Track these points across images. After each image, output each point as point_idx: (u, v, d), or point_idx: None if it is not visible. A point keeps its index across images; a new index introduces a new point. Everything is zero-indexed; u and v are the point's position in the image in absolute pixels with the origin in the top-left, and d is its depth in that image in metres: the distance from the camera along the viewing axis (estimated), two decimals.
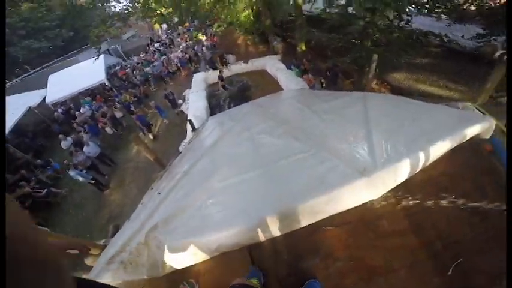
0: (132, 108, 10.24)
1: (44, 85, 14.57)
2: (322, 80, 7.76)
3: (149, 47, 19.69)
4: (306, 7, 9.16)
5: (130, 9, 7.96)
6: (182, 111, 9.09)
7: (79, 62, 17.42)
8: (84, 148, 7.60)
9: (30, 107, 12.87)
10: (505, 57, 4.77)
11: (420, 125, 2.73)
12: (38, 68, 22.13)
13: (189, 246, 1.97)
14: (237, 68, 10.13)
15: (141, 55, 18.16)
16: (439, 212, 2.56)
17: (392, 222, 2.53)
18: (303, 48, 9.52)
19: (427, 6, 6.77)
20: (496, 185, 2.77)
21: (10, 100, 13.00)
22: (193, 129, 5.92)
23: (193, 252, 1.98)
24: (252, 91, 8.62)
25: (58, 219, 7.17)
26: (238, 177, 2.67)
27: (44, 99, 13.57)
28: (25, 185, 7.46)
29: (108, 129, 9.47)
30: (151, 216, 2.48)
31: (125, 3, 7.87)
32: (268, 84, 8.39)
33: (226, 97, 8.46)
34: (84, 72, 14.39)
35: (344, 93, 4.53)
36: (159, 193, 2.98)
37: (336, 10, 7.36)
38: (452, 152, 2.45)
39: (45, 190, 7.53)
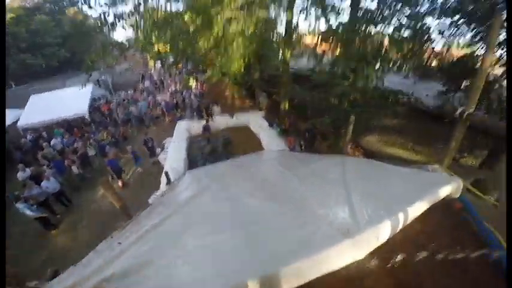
0: (107, 150, 9.57)
1: (22, 105, 13.48)
2: (302, 143, 8.11)
3: (139, 84, 19.78)
4: (292, 63, 9.99)
5: (131, 40, 8.19)
6: (159, 161, 8.62)
7: (66, 87, 16.66)
8: (43, 182, 6.86)
9: None
10: (465, 114, 4.79)
11: (397, 188, 2.86)
12: (22, 86, 20.74)
13: None
14: (221, 121, 10.27)
15: (129, 92, 17.94)
16: (421, 267, 2.61)
17: (377, 281, 2.52)
18: (286, 106, 10.18)
19: (398, 63, 7.18)
20: (470, 237, 2.94)
21: None
22: (169, 182, 5.64)
23: None
24: (233, 147, 8.56)
25: None
26: (215, 237, 2.48)
27: (16, 120, 12.49)
28: None
29: (74, 169, 8.58)
30: (107, 265, 2.18)
31: (129, 33, 8.18)
32: (250, 141, 8.48)
33: (208, 151, 8.34)
34: (68, 100, 13.67)
35: (323, 157, 4.74)
36: (120, 243, 2.64)
37: (323, 69, 7.76)
38: (427, 212, 2.58)
39: None
